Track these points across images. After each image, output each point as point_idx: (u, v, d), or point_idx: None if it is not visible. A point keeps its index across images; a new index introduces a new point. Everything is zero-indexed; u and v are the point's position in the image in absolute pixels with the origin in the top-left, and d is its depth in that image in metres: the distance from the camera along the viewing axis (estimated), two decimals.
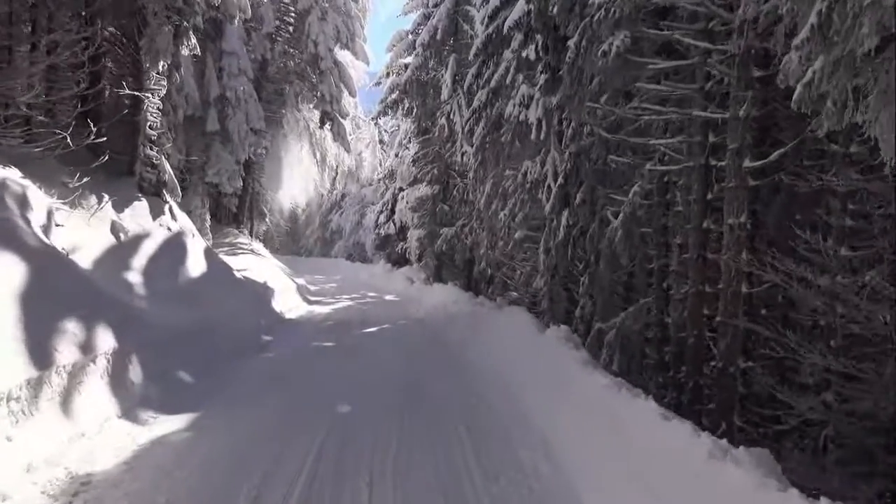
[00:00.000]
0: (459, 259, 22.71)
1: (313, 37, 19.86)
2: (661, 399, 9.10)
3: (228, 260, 17.20)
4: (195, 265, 11.94)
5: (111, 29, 10.96)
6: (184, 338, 9.10)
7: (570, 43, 12.20)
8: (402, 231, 32.45)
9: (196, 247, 12.66)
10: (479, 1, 17.90)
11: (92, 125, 9.51)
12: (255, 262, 18.95)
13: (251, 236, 23.33)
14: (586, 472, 4.87)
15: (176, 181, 12.47)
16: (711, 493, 3.66)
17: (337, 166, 36.19)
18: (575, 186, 13.91)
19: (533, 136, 14.79)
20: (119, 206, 10.79)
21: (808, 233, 7.34)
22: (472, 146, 18.61)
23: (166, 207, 12.08)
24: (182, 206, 16.72)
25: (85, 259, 8.82)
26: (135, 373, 6.86)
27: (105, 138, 10.21)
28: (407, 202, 29.89)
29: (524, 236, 16.84)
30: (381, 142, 43.20)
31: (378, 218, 36.93)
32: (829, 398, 7.67)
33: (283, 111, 22.66)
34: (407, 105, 25.38)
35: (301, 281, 24.56)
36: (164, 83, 11.67)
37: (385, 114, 25.51)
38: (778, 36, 7.16)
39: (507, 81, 16.09)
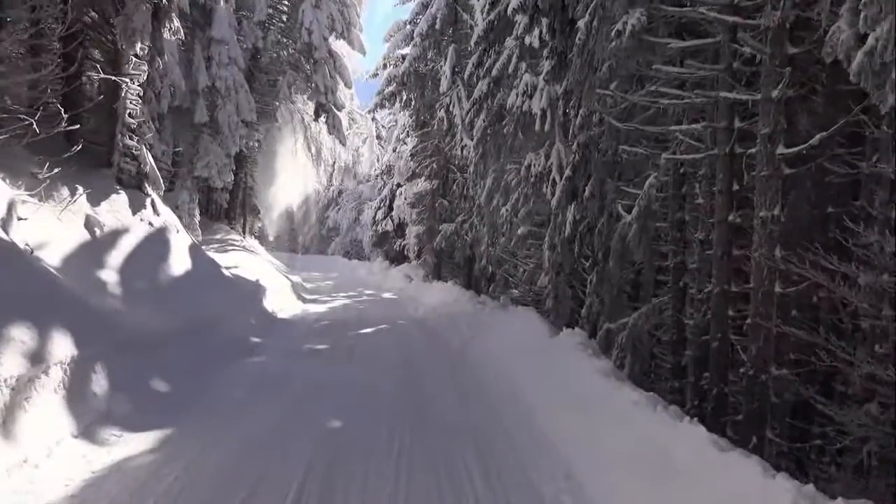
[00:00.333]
0: (459, 256, 21.98)
1: (307, 25, 19.05)
2: (675, 404, 8.37)
3: (218, 257, 16.43)
4: (179, 263, 11.16)
5: (87, 8, 10.14)
6: (162, 342, 8.32)
7: (580, 24, 11.43)
8: (401, 227, 31.80)
9: (181, 243, 11.88)
10: None
11: (64, 112, 8.71)
12: (246, 260, 18.17)
13: (244, 233, 22.54)
14: None
15: (158, 173, 11.68)
16: None
17: (334, 162, 35.44)
18: (583, 179, 13.16)
19: (537, 127, 14.08)
20: (95, 200, 10.00)
21: (842, 226, 6.66)
22: (472, 139, 17.91)
23: (148, 201, 11.29)
24: (169, 201, 15.93)
25: (52, 256, 8.03)
26: (99, 383, 6.08)
27: (78, 126, 9.44)
28: (405, 198, 29.19)
29: (527, 232, 16.13)
30: (378, 137, 42.44)
31: (375, 214, 36.26)
32: (872, 410, 6.93)
33: (277, 103, 21.85)
34: (405, 97, 24.62)
35: (296, 278, 23.81)
36: (145, 68, 10.87)
37: (382, 106, 24.73)
38: (823, 3, 6.42)
39: (510, 70, 15.36)
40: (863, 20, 4.91)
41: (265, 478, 4.89)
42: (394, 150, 33.73)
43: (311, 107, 22.15)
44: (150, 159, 11.47)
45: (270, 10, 20.25)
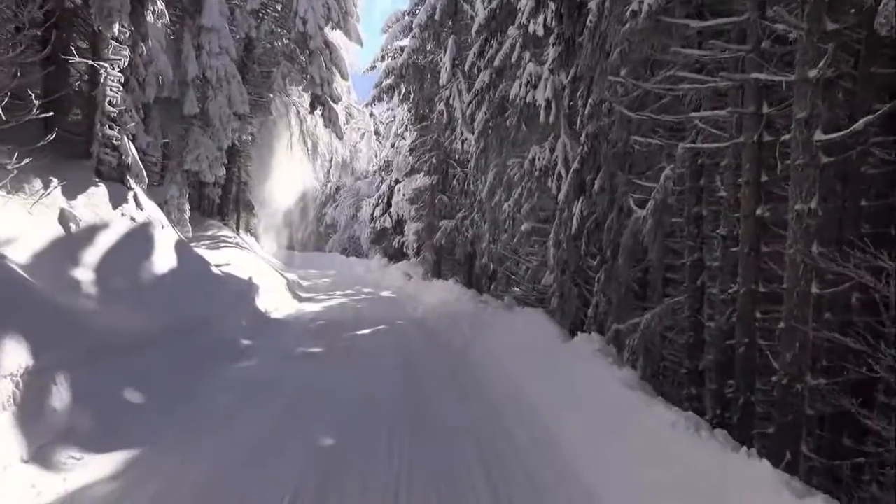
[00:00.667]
0: (460, 253, 21.34)
1: (301, 14, 18.34)
2: (693, 412, 7.69)
3: (209, 254, 15.73)
4: (164, 260, 10.47)
5: None
6: (141, 345, 7.64)
7: (591, 5, 10.78)
8: (399, 224, 31.24)
9: (166, 239, 11.18)
10: None
11: (38, 98, 8.00)
12: (239, 257, 17.47)
13: (237, 229, 21.83)
14: None
15: (141, 165, 10.97)
16: None
17: (331, 158, 34.73)
18: (592, 172, 12.50)
19: (541, 119, 13.46)
20: (71, 192, 9.31)
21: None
22: (473, 132, 17.31)
23: (130, 195, 10.59)
24: (157, 196, 15.24)
25: (20, 253, 7.35)
26: (60, 397, 5.39)
27: (52, 113, 8.72)
28: (404, 194, 28.57)
29: (531, 229, 15.48)
30: (376, 132, 41.74)
31: (374, 211, 35.66)
32: None
33: (271, 95, 21.13)
34: (403, 90, 23.98)
35: (293, 276, 23.14)
36: (127, 53, 10.16)
37: (380, 99, 24.06)
38: None
39: (513, 60, 14.72)
40: None
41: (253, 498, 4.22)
42: (392, 146, 33.10)
43: (306, 99, 21.47)
44: (133, 150, 10.78)
45: None
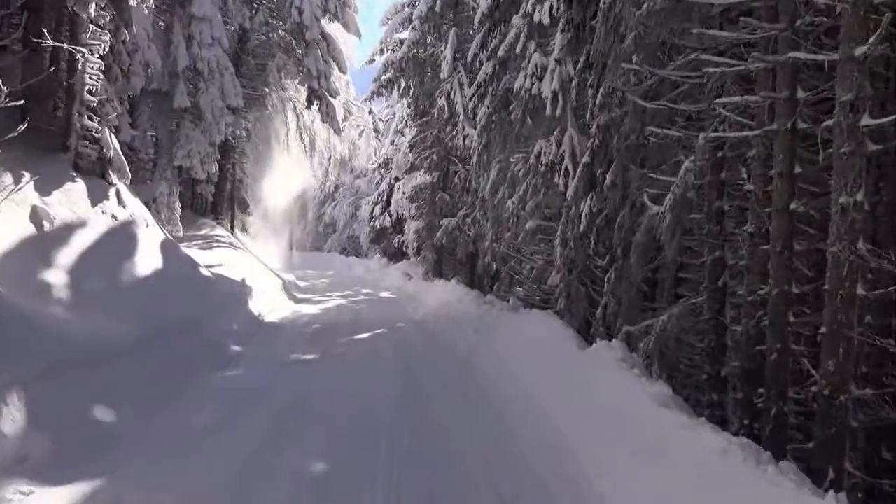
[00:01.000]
0: (461, 253, 20.69)
1: (297, 3, 17.64)
2: (717, 422, 7.01)
3: (201, 254, 15.05)
4: (147, 261, 9.80)
5: None
6: (116, 355, 6.98)
7: None
8: (399, 223, 30.65)
9: (151, 239, 10.51)
10: None
11: (3, 85, 7.31)
12: (233, 257, 16.79)
13: (232, 228, 21.13)
14: None
15: (124, 160, 10.30)
16: None
17: (330, 157, 34.02)
18: (603, 166, 11.85)
19: (548, 112, 12.81)
20: (45, 188, 8.64)
21: None
22: (475, 128, 16.70)
23: (112, 191, 9.93)
24: (145, 193, 14.57)
25: None
26: (11, 419, 4.72)
27: (23, 101, 8.05)
28: (403, 192, 27.96)
29: (536, 227, 14.82)
30: (375, 130, 41.07)
31: (373, 209, 35.07)
32: None
33: (266, 90, 20.43)
34: (403, 84, 23.31)
35: (290, 277, 22.49)
36: (107, 38, 9.48)
37: (379, 94, 23.40)
38: None
39: (517, 51, 14.05)
40: None
41: None
42: (391, 143, 32.49)
43: (303, 94, 20.78)
44: (115, 144, 10.11)
45: None
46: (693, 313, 10.11)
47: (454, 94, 20.06)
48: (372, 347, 10.92)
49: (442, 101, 20.86)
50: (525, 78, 13.24)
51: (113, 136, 10.06)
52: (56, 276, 7.59)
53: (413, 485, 4.69)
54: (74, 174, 9.46)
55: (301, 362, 9.48)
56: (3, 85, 7.29)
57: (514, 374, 7.50)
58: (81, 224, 8.86)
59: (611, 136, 11.53)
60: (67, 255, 8.14)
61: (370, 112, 42.01)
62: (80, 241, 8.59)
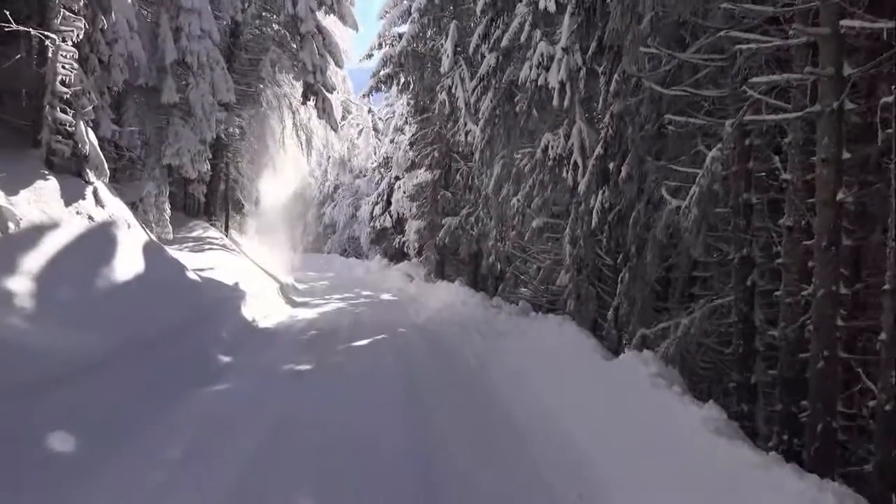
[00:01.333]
0: (464, 253, 19.98)
1: None
2: (748, 435, 6.22)
3: (191, 258, 14.32)
4: (127, 266, 9.04)
5: None
6: (84, 372, 6.24)
7: None
8: (400, 223, 30.00)
9: (132, 241, 9.76)
10: None
11: None
12: (226, 260, 16.05)
13: (226, 230, 20.37)
14: None
15: (102, 156, 9.54)
16: None
17: (329, 157, 33.31)
18: (617, 158, 11.12)
19: (555, 103, 12.10)
20: (11, 187, 7.88)
21: None
22: (477, 123, 16.01)
23: (88, 190, 9.18)
24: (131, 194, 13.84)
25: None
26: None
27: None
28: (404, 191, 27.29)
29: (543, 224, 14.12)
30: (375, 129, 40.33)
31: (373, 210, 34.41)
32: None
33: (261, 86, 19.68)
34: (402, 80, 22.54)
35: (288, 279, 21.74)
36: (81, 24, 8.74)
37: (377, 89, 22.62)
38: None
39: (522, 40, 13.34)
40: None
41: None
42: (391, 141, 31.82)
43: (299, 90, 20.04)
44: (93, 139, 9.36)
45: None
46: (716, 315, 9.41)
47: (455, 88, 19.35)
48: (371, 356, 10.13)
49: (443, 96, 20.12)
50: (530, 68, 12.56)
51: (90, 130, 9.31)
52: (20, 284, 6.84)
53: None
54: (46, 172, 8.71)
55: (294, 374, 8.70)
56: None
57: (532, 390, 6.70)
58: (53, 226, 8.11)
59: (625, 126, 10.81)
60: (35, 260, 7.39)
61: (369, 111, 41.32)
62: (51, 245, 7.83)
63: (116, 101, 14.35)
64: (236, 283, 14.08)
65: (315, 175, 35.16)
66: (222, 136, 17.83)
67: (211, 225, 18.54)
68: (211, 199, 19.38)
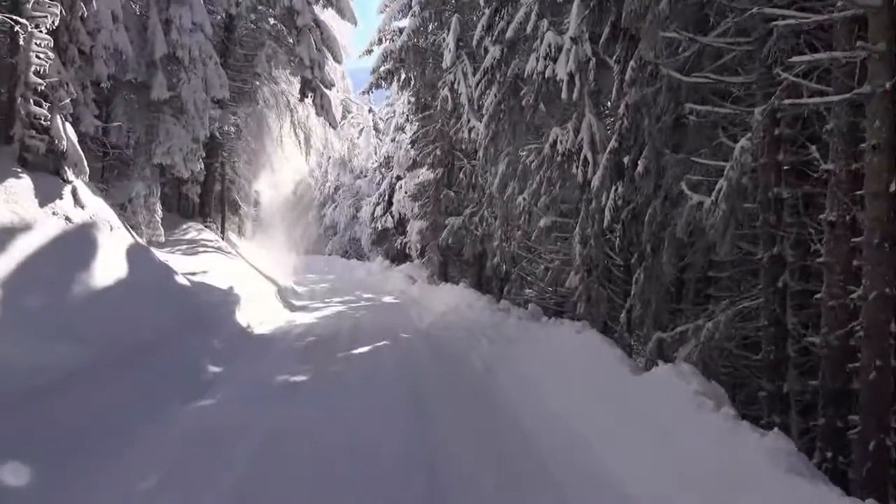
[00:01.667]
0: (468, 253, 19.38)
1: None
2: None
3: (183, 261, 13.68)
4: (108, 270, 8.39)
5: None
6: (51, 389, 5.59)
7: None
8: (401, 224, 29.40)
9: (115, 244, 9.10)
10: None
11: None
12: (221, 263, 15.39)
13: (223, 232, 19.70)
14: None
15: (82, 153, 8.89)
16: None
17: (328, 157, 32.67)
18: (633, 152, 10.48)
19: (563, 96, 11.55)
20: None
21: None
22: (480, 119, 15.47)
23: (67, 189, 8.54)
24: (119, 194, 13.21)
25: None
26: None
27: None
28: (406, 191, 26.69)
29: (551, 223, 13.52)
30: (375, 128, 39.70)
31: (374, 210, 33.83)
32: None
33: (257, 83, 19.02)
34: (403, 76, 21.93)
35: (287, 282, 21.11)
36: (56, 10, 8.09)
37: (378, 86, 21.99)
38: None
39: (528, 31, 12.78)
40: None
41: None
42: (392, 140, 31.24)
43: (296, 87, 19.40)
44: (71, 134, 8.72)
45: None
46: (739, 318, 8.76)
47: (458, 84, 18.79)
48: (373, 364, 9.44)
49: (445, 91, 19.53)
50: (537, 60, 12.00)
51: (68, 125, 8.66)
52: None
53: None
54: (19, 170, 8.06)
55: (289, 386, 8.04)
56: None
57: (551, 408, 6.00)
58: (25, 228, 7.46)
59: (641, 118, 10.17)
60: (3, 265, 6.74)
61: (370, 110, 40.74)
62: (22, 248, 7.19)
63: (106, 99, 13.73)
64: (230, 288, 13.43)
65: (315, 175, 34.53)
66: (217, 134, 17.16)
67: (206, 227, 17.88)
68: (206, 199, 18.70)
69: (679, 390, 4.83)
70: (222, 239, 18.81)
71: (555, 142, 12.40)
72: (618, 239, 11.50)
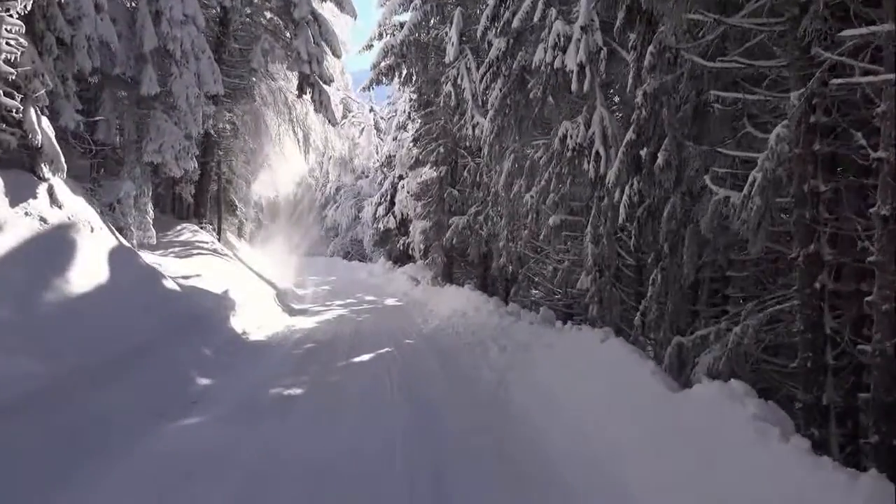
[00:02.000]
0: (473, 254, 18.72)
1: None
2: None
3: (175, 264, 13.06)
4: (86, 275, 7.74)
5: None
6: (11, 410, 4.93)
7: None
8: (404, 224, 28.78)
9: (96, 247, 8.46)
10: None
11: None
12: (216, 266, 14.78)
13: (219, 233, 19.07)
14: None
15: (58, 149, 8.25)
16: None
17: (329, 157, 32.05)
18: (651, 144, 9.82)
19: (573, 87, 10.93)
20: None
21: None
22: (485, 115, 14.93)
23: (42, 188, 7.90)
24: (107, 194, 12.57)
25: None
26: None
27: None
28: (408, 191, 26.10)
29: (560, 222, 12.86)
30: (376, 127, 39.12)
31: (376, 210, 33.20)
32: None
33: (254, 79, 18.39)
34: (405, 72, 21.26)
35: (287, 285, 20.50)
36: None
37: (378, 82, 21.32)
38: None
39: (535, 21, 12.15)
40: None
41: None
42: (394, 139, 30.68)
43: (294, 83, 18.77)
44: (48, 129, 8.07)
45: None
46: (773, 321, 8.10)
47: (461, 79, 18.17)
48: (374, 376, 8.75)
49: (448, 87, 18.87)
50: (545, 51, 11.36)
51: (44, 119, 8.02)
52: None
53: None
54: None
55: (283, 401, 7.37)
56: None
57: (575, 426, 5.32)
58: None
59: (660, 107, 9.52)
60: None
61: (371, 109, 40.18)
62: None
63: (94, 94, 13.10)
64: (225, 291, 12.80)
65: (316, 176, 33.96)
66: (212, 132, 16.52)
67: (201, 228, 17.24)
68: (201, 200, 18.06)
69: (731, 413, 4.14)
70: (219, 241, 18.18)
71: (564, 136, 11.76)
72: (632, 238, 10.89)
